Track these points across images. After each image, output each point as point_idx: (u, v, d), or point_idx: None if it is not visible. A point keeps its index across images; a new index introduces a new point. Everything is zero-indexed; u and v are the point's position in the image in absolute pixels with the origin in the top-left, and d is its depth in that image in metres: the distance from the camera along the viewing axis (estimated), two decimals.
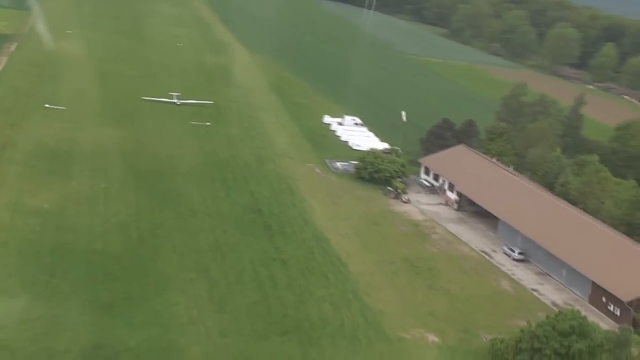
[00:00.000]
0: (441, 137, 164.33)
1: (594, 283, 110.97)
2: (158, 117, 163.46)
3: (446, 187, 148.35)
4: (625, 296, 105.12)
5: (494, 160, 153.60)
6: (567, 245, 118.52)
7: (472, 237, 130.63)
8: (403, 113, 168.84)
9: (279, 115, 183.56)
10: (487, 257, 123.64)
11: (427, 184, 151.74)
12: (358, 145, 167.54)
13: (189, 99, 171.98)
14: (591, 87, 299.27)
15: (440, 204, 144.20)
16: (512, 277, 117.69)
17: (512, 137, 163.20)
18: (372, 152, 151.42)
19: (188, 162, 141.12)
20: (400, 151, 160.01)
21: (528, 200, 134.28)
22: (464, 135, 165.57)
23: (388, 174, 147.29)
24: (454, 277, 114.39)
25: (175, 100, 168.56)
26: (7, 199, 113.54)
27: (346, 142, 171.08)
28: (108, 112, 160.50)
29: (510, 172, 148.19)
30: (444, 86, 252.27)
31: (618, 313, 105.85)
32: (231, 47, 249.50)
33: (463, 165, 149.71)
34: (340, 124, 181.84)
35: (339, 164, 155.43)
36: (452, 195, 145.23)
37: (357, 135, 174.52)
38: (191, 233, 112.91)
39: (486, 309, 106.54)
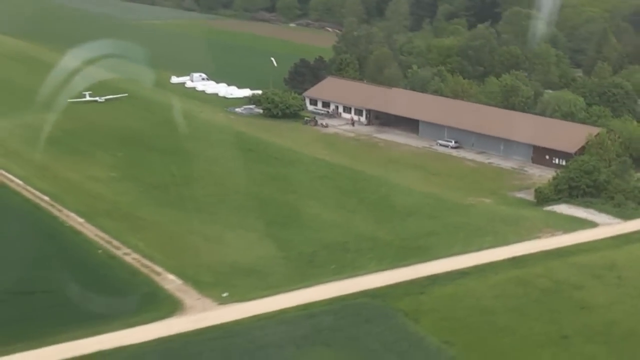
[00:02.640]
0: (302, 74, 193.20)
1: (535, 147, 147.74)
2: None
3: (340, 110, 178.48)
4: (570, 148, 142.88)
5: (365, 82, 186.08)
6: (495, 126, 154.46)
7: (404, 140, 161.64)
8: (272, 59, 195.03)
9: (136, 84, 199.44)
10: (433, 150, 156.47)
11: (322, 111, 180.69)
12: (231, 94, 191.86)
13: (106, 95, 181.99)
14: (293, 25, 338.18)
15: (348, 123, 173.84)
16: (467, 158, 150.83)
17: (356, 65, 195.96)
18: (276, 93, 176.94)
19: (147, 128, 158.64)
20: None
21: (431, 103, 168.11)
22: (317, 70, 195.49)
23: (296, 108, 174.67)
24: (435, 165, 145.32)
25: (97, 98, 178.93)
26: (81, 175, 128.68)
27: (216, 93, 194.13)
28: (29, 104, 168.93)
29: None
30: (203, 42, 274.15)
31: (564, 163, 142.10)
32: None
33: (348, 90, 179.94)
34: (191, 80, 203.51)
35: (238, 110, 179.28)
36: (351, 116, 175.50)
37: (217, 87, 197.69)
38: (242, 172, 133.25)
39: (482, 179, 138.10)
